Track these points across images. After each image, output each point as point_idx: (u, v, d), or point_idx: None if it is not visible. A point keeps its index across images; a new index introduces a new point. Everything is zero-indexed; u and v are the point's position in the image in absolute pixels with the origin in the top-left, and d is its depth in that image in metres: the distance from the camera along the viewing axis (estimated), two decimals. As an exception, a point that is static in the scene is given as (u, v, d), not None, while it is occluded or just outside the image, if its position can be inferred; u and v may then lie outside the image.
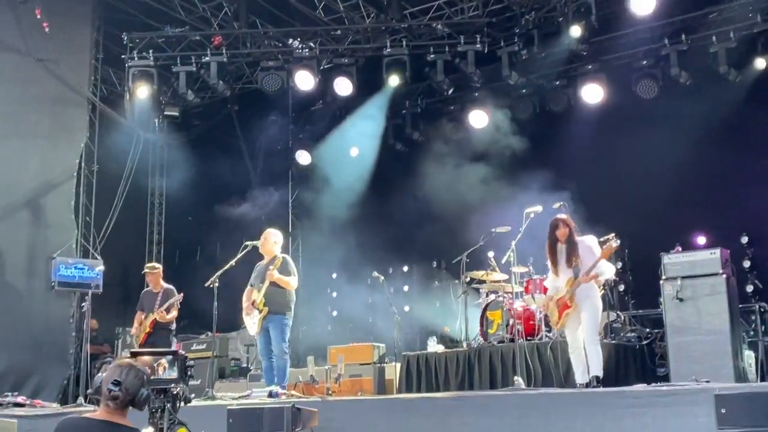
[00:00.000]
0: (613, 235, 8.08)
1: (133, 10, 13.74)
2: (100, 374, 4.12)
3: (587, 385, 7.91)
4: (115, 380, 4.03)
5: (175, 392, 4.37)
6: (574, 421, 6.07)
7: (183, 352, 4.55)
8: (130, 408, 4.07)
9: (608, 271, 8.31)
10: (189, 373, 4.46)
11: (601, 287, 10.22)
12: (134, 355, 4.26)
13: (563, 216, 8.37)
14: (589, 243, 8.22)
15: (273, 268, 9.27)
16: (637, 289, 11.88)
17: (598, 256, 8.07)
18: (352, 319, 14.23)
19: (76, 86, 13.28)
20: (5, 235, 12.63)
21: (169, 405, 4.32)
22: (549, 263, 8.42)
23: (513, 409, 6.41)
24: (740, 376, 8.77)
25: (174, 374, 4.42)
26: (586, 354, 8.01)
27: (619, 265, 11.84)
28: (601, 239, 8.18)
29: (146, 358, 4.31)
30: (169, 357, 4.41)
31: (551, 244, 8.28)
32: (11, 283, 12.58)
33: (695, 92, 12.32)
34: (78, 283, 12.69)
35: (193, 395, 4.72)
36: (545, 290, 9.84)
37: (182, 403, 4.49)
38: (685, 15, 12.18)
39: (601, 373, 7.89)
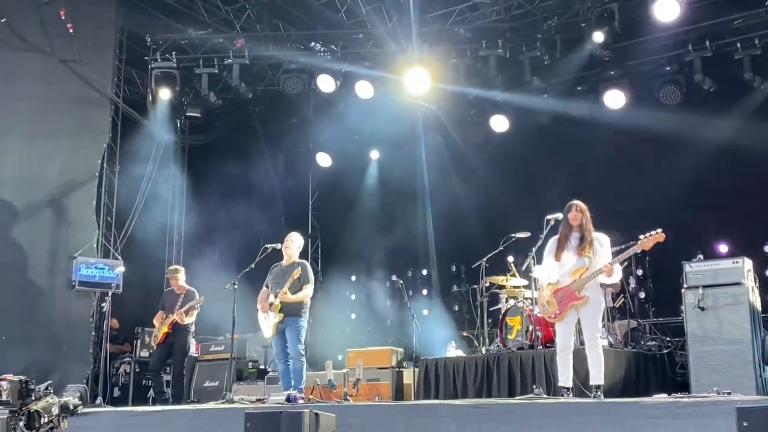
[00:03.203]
0: (660, 229, 7.62)
1: (156, 12, 13.84)
2: None
3: (570, 391, 7.65)
4: None
5: (32, 410, 4.63)
6: (594, 431, 6.03)
7: (24, 377, 4.81)
8: None
9: (617, 273, 7.97)
10: (32, 396, 4.74)
11: (622, 296, 10.19)
12: None
13: (579, 202, 7.93)
14: (602, 239, 7.85)
15: (286, 290, 9.27)
16: (659, 297, 11.79)
17: (608, 253, 7.73)
18: (371, 322, 14.22)
19: (99, 87, 13.40)
20: (28, 233, 12.76)
21: (21, 423, 4.64)
22: (550, 249, 7.98)
23: (532, 418, 6.36)
24: (762, 387, 8.68)
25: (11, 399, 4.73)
26: (588, 360, 7.66)
27: (640, 272, 11.79)
28: (644, 235, 7.67)
29: None
30: (6, 383, 4.70)
31: (563, 230, 7.89)
32: (33, 281, 12.71)
33: (719, 99, 12.23)
34: (98, 282, 12.80)
35: (77, 408, 5.01)
36: None
37: (46, 417, 4.74)
38: (710, 21, 12.07)
39: (602, 381, 7.57)
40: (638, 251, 7.82)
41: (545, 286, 7.99)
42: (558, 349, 7.90)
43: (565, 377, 7.77)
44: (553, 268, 7.95)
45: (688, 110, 12.40)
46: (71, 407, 4.79)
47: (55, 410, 4.71)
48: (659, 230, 7.62)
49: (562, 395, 7.68)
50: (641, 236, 7.70)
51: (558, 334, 7.96)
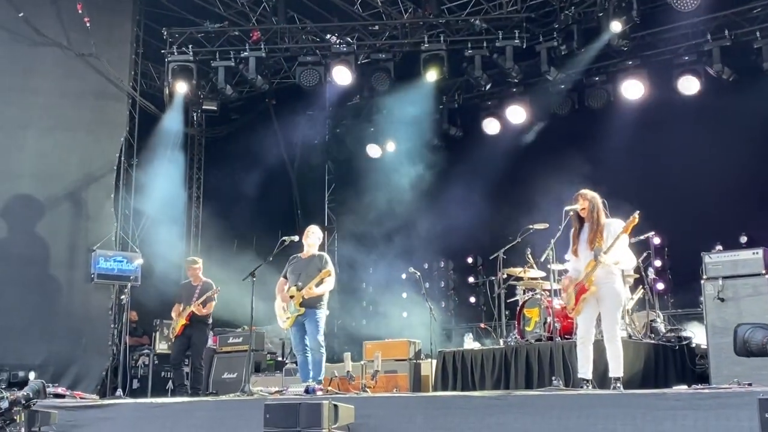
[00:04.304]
0: (638, 213, 7.40)
1: (173, 6, 13.89)
2: None
3: (589, 383, 7.55)
4: None
5: None
6: (614, 422, 6.00)
7: None
8: None
9: (627, 259, 7.70)
10: None
11: (641, 288, 10.12)
12: None
13: (585, 190, 7.74)
14: (614, 227, 7.58)
15: (313, 285, 9.29)
16: (678, 288, 11.72)
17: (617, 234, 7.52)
18: (388, 314, 14.22)
19: (116, 80, 13.44)
20: (46, 227, 12.83)
21: None
22: (569, 244, 7.86)
23: (552, 410, 6.33)
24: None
25: None
26: (606, 352, 7.52)
27: (659, 263, 11.72)
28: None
29: None
30: None
31: (575, 222, 7.75)
32: (52, 274, 12.78)
33: (738, 89, 12.13)
34: (117, 275, 12.86)
35: (30, 402, 5.19)
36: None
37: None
38: (728, 10, 11.99)
39: (621, 374, 7.45)
40: (622, 237, 7.67)
41: (567, 281, 7.92)
42: (578, 341, 7.81)
43: (585, 369, 7.67)
44: (574, 263, 7.87)
45: (706, 100, 12.31)
46: (23, 402, 4.90)
47: (4, 404, 4.82)
48: (636, 213, 7.43)
49: (582, 387, 7.63)
50: (625, 222, 7.55)
51: (578, 326, 7.89)
